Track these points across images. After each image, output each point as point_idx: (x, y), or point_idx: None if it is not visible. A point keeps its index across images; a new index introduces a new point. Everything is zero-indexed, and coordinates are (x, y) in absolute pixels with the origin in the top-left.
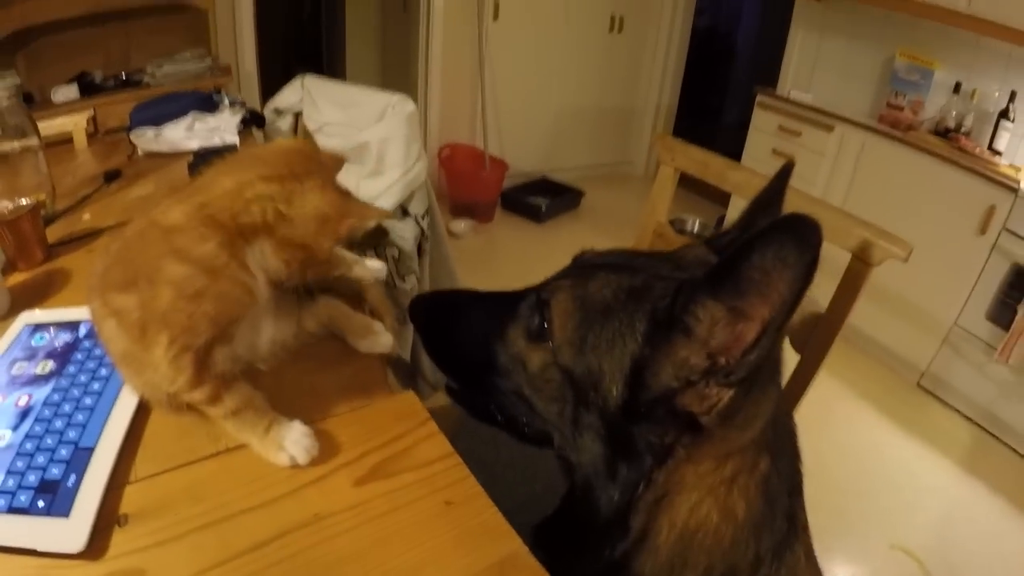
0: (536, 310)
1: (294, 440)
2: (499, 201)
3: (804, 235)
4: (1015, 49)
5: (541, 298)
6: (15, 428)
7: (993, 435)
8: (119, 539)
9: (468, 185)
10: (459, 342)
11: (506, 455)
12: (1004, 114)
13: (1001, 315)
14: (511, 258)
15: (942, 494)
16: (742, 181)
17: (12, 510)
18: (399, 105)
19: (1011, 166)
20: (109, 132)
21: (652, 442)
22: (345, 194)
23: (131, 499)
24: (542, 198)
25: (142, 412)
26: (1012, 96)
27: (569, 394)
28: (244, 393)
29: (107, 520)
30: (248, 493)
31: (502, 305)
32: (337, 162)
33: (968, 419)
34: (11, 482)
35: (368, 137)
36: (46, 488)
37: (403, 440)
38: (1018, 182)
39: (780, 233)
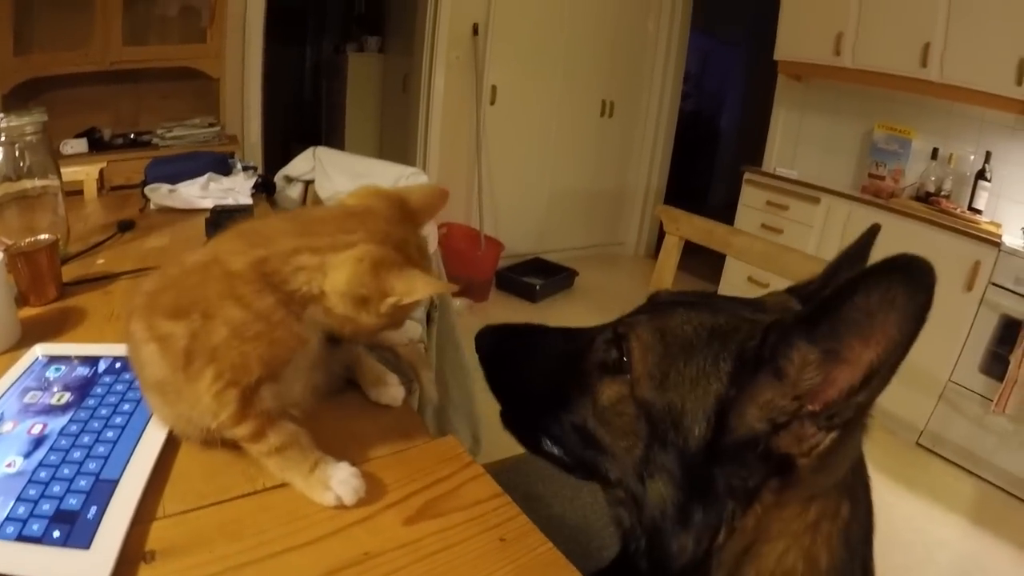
0: (613, 343)
1: (341, 480)
2: (494, 280)
3: (916, 275)
4: (987, 112)
5: (618, 332)
6: (27, 455)
7: (996, 486)
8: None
9: (464, 264)
10: (523, 372)
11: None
12: (981, 174)
13: (994, 367)
14: None
15: (952, 548)
16: (745, 246)
17: (22, 538)
18: (412, 176)
19: (991, 223)
20: (115, 189)
21: (735, 485)
22: (403, 262)
23: (160, 535)
24: (536, 278)
25: (170, 448)
26: (987, 157)
27: (643, 430)
28: (289, 430)
29: (132, 556)
30: (290, 532)
31: (574, 339)
32: (428, 205)
33: (970, 472)
34: (22, 509)
35: None
36: (62, 518)
37: (449, 481)
38: (999, 237)
39: (888, 273)
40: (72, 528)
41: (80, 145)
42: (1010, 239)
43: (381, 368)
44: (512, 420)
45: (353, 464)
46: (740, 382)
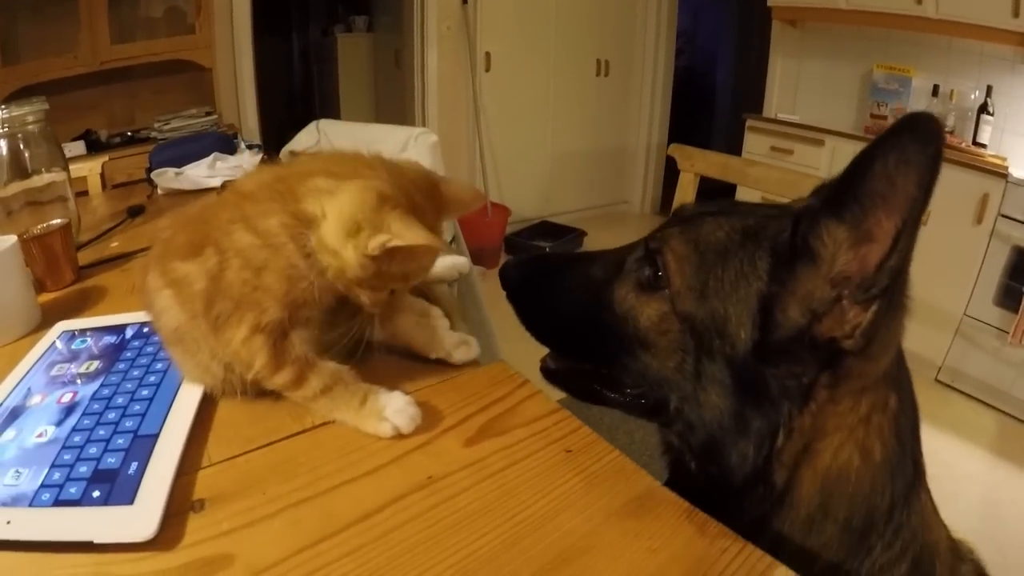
0: (646, 260)
1: (397, 409)
2: (503, 246)
3: (923, 127)
4: (986, 46)
5: (650, 248)
6: (59, 423)
7: (1018, 419)
8: (196, 525)
9: (472, 231)
10: (557, 308)
11: None
12: (983, 109)
13: (1008, 299)
14: None
15: (979, 480)
16: (762, 175)
17: (60, 503)
18: (422, 136)
19: (996, 156)
20: (118, 187)
21: (788, 385)
22: (411, 210)
23: (206, 484)
24: (545, 241)
25: (210, 399)
26: (988, 91)
27: (690, 344)
28: (330, 369)
29: (180, 506)
30: (346, 465)
31: (603, 263)
32: (460, 200)
33: (990, 406)
34: (57, 475)
35: None
36: (101, 478)
37: (505, 401)
38: (1006, 169)
39: (898, 135)
40: (112, 486)
41: (78, 148)
42: (1017, 171)
43: (448, 331)
44: (553, 371)
45: (405, 393)
46: (779, 276)
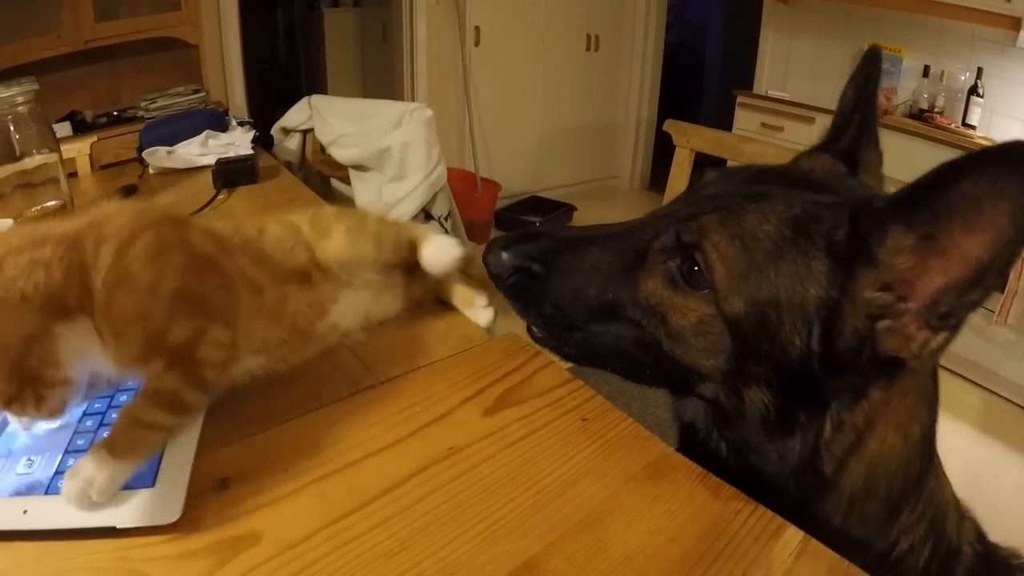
0: (679, 254)
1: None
2: (493, 221)
3: None
4: (977, 28)
5: (685, 240)
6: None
7: (1003, 396)
8: (221, 504)
9: (463, 207)
10: (559, 294)
11: None
12: (973, 90)
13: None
14: None
15: (963, 455)
16: (756, 152)
17: None
18: (417, 111)
19: (985, 138)
20: (105, 167)
21: (843, 388)
22: None
23: (229, 461)
24: (535, 216)
25: None
26: (979, 73)
27: (731, 346)
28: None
29: (204, 486)
30: (367, 439)
31: (617, 248)
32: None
33: (975, 384)
34: (72, 461)
35: (389, 142)
36: None
37: (520, 372)
38: None
39: (999, 160)
40: None
41: (64, 129)
42: None
43: (469, 291)
44: (547, 338)
45: (419, 366)
46: (838, 281)
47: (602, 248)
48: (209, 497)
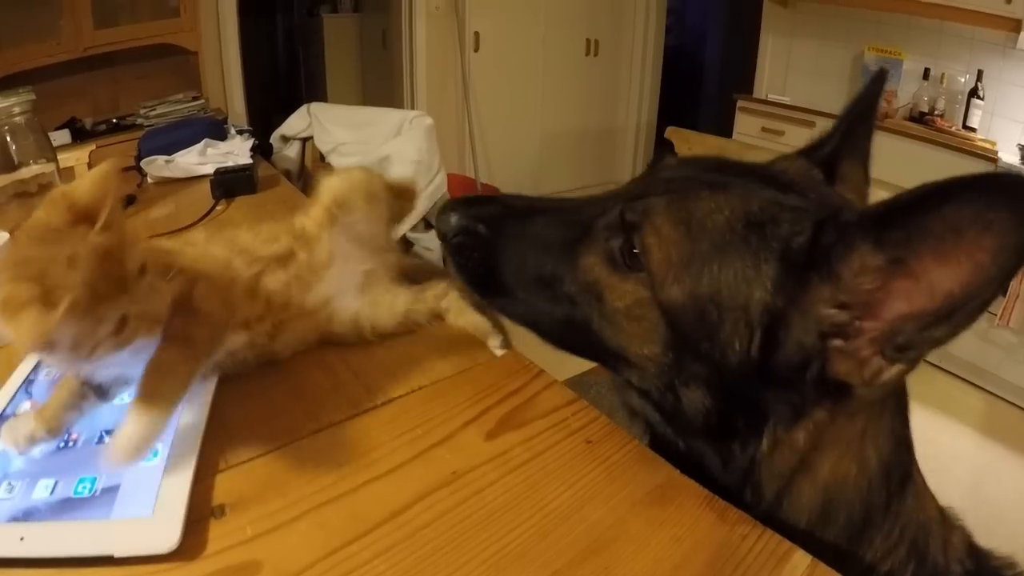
0: (621, 232)
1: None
2: None
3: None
4: (977, 31)
5: (627, 220)
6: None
7: (1004, 399)
8: (219, 532)
9: None
10: (505, 266)
11: None
12: (974, 93)
13: None
14: None
15: (967, 459)
16: (760, 159)
17: (74, 516)
18: (417, 120)
19: (986, 140)
20: None
21: (783, 406)
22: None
23: (226, 487)
24: None
25: (223, 397)
26: (979, 75)
27: (669, 337)
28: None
29: (200, 513)
30: (368, 463)
31: (565, 220)
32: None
33: (977, 386)
34: (82, 487)
35: (389, 151)
36: (115, 487)
37: (523, 392)
38: (996, 153)
39: (989, 190)
40: (129, 496)
41: (63, 137)
42: (1006, 156)
43: (485, 324)
44: (484, 295)
45: (420, 387)
46: (787, 289)
47: (548, 219)
48: (207, 525)
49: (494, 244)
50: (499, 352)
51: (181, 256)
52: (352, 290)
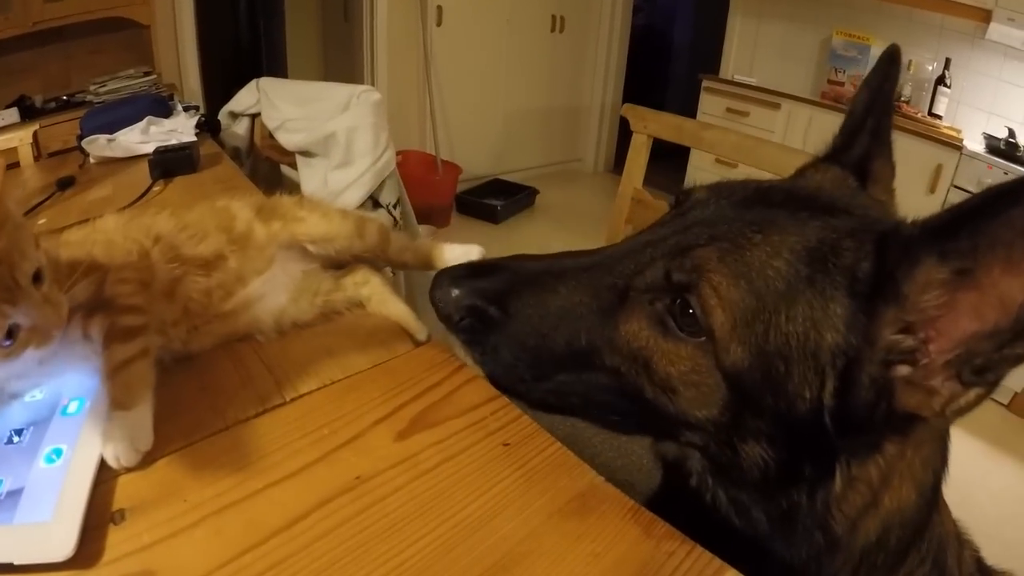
0: (668, 293)
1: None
2: (454, 205)
3: None
4: (946, 19)
5: (676, 280)
6: None
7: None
8: (117, 538)
9: (422, 190)
10: (522, 341)
11: None
12: (941, 80)
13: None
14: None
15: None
16: (717, 139)
17: None
18: (365, 95)
19: (952, 128)
20: (54, 155)
21: (853, 443)
22: None
23: (126, 491)
24: (497, 199)
25: None
26: (947, 63)
27: (729, 399)
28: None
29: (99, 519)
30: (269, 465)
31: (593, 285)
32: None
33: None
34: None
35: (335, 127)
36: (17, 491)
37: (441, 387)
38: (961, 141)
39: None
40: (30, 499)
41: (11, 115)
42: (971, 144)
43: (411, 318)
44: (508, 389)
45: (332, 380)
46: (858, 324)
47: (573, 286)
48: (106, 531)
49: (512, 326)
50: (422, 337)
51: (89, 248)
52: (282, 289)
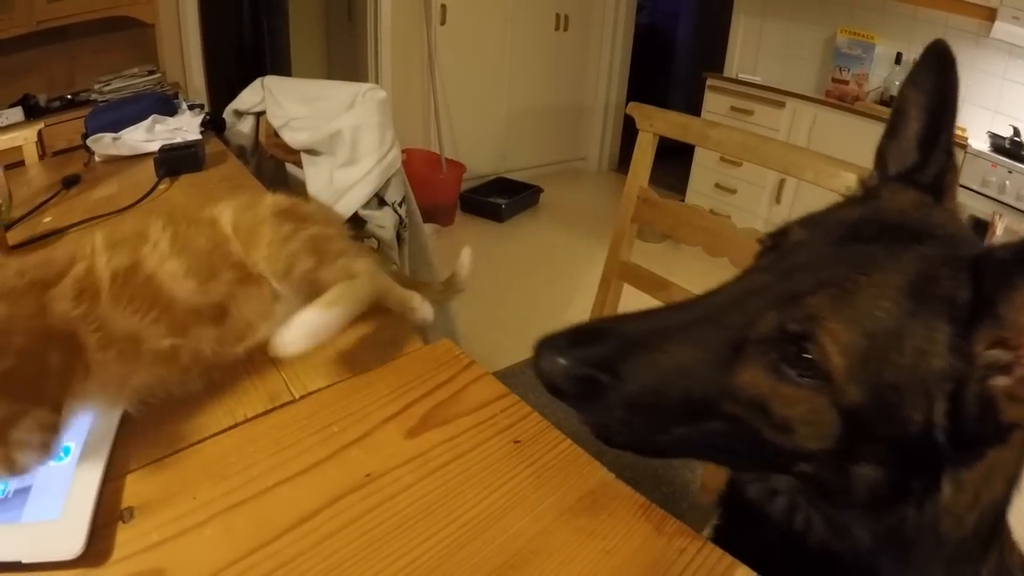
0: (786, 343)
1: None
2: (458, 203)
3: None
4: (951, 17)
5: (792, 331)
6: None
7: None
8: (126, 537)
9: (426, 189)
10: (636, 402)
11: None
12: None
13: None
14: (477, 259)
15: None
16: (723, 138)
17: None
18: (370, 93)
19: (956, 127)
20: (58, 154)
21: (960, 454)
22: None
23: (135, 489)
24: (501, 197)
25: None
26: None
27: (843, 431)
28: None
29: (108, 517)
30: (280, 463)
31: (703, 342)
32: None
33: None
34: None
35: (340, 125)
36: (25, 488)
37: (450, 385)
38: (965, 140)
39: None
40: (38, 497)
41: (15, 115)
42: (976, 142)
43: (403, 292)
44: (621, 443)
45: (342, 379)
46: (960, 347)
47: (683, 344)
48: (115, 529)
49: (625, 389)
50: (425, 314)
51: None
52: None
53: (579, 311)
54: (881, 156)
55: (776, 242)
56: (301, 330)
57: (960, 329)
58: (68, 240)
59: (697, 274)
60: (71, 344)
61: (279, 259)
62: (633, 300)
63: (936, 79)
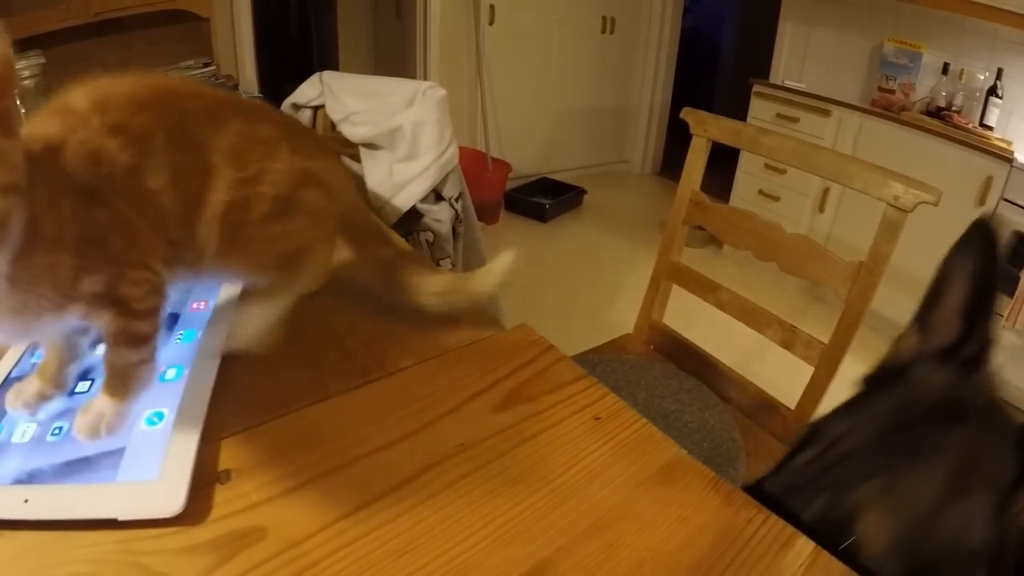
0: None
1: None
2: (503, 202)
3: None
4: (1000, 28)
5: (835, 518)
6: (71, 394)
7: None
8: (225, 497)
9: (473, 186)
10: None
11: None
12: (992, 91)
13: (1005, 283)
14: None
15: None
16: (775, 145)
17: (79, 479)
18: (430, 91)
19: (1003, 139)
20: None
21: None
22: None
23: (233, 453)
24: (545, 198)
25: (229, 363)
26: (999, 73)
27: None
28: None
29: (205, 479)
30: (374, 432)
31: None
32: None
33: None
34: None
35: (400, 121)
36: (122, 450)
37: (532, 366)
38: (1012, 153)
39: None
40: (135, 459)
41: None
42: (1022, 156)
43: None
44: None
45: (428, 357)
46: (1000, 517)
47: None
48: (212, 490)
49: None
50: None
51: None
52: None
53: (621, 312)
54: (922, 319)
55: (828, 427)
56: (252, 324)
57: (1003, 498)
58: None
59: (740, 282)
60: None
61: None
62: (682, 301)
63: (981, 257)
